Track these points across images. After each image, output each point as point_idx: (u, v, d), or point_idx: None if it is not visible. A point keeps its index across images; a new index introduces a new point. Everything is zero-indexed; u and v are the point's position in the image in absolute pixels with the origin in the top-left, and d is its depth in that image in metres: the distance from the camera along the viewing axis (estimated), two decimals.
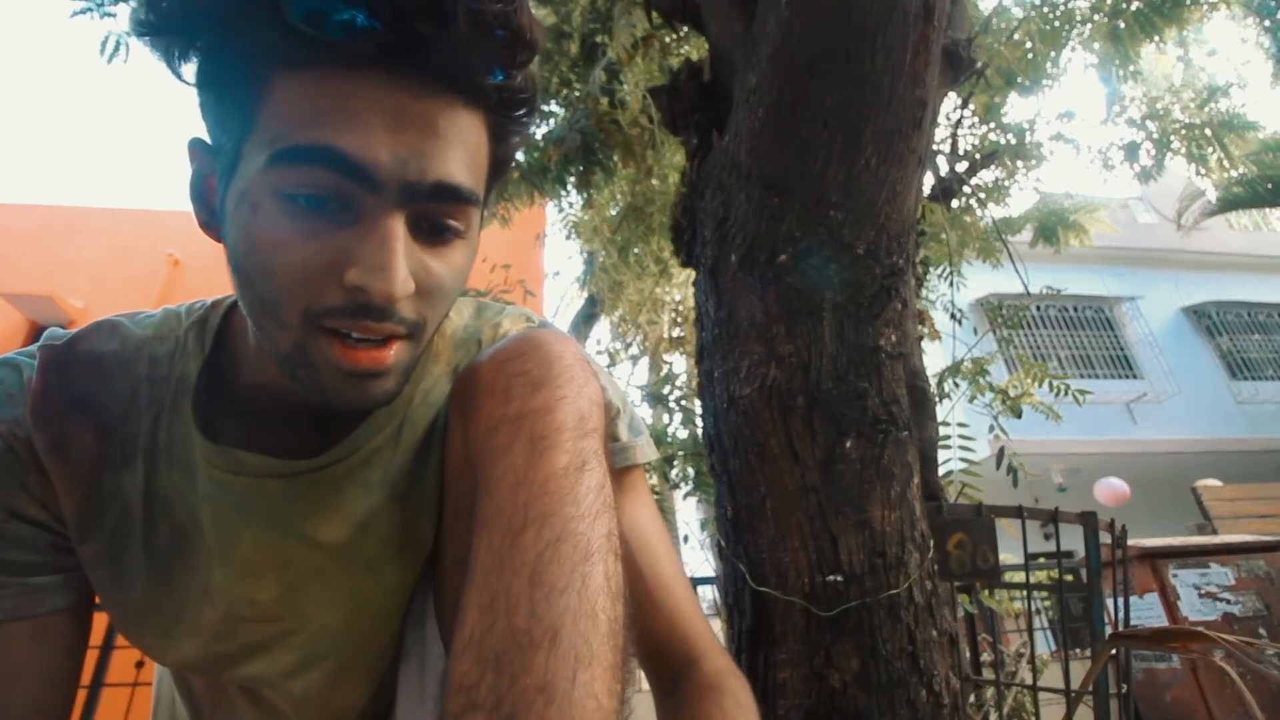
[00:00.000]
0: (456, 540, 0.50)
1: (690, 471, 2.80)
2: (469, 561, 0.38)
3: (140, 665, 2.89)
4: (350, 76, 0.35)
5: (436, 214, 0.39)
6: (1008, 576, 3.01)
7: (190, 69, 0.38)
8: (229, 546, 0.47)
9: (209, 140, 0.41)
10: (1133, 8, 2.77)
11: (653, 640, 0.52)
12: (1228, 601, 3.31)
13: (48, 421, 0.45)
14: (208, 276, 6.47)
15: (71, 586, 0.47)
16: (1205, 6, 2.86)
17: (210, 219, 0.42)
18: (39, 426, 0.44)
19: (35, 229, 7.70)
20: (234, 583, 0.47)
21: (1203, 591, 3.33)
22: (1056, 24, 2.88)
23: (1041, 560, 5.05)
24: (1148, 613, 3.32)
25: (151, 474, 0.47)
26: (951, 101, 2.72)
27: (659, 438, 2.88)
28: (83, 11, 2.52)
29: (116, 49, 2.56)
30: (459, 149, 0.38)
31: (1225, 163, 3.35)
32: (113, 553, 0.47)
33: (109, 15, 2.53)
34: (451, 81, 0.37)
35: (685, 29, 2.34)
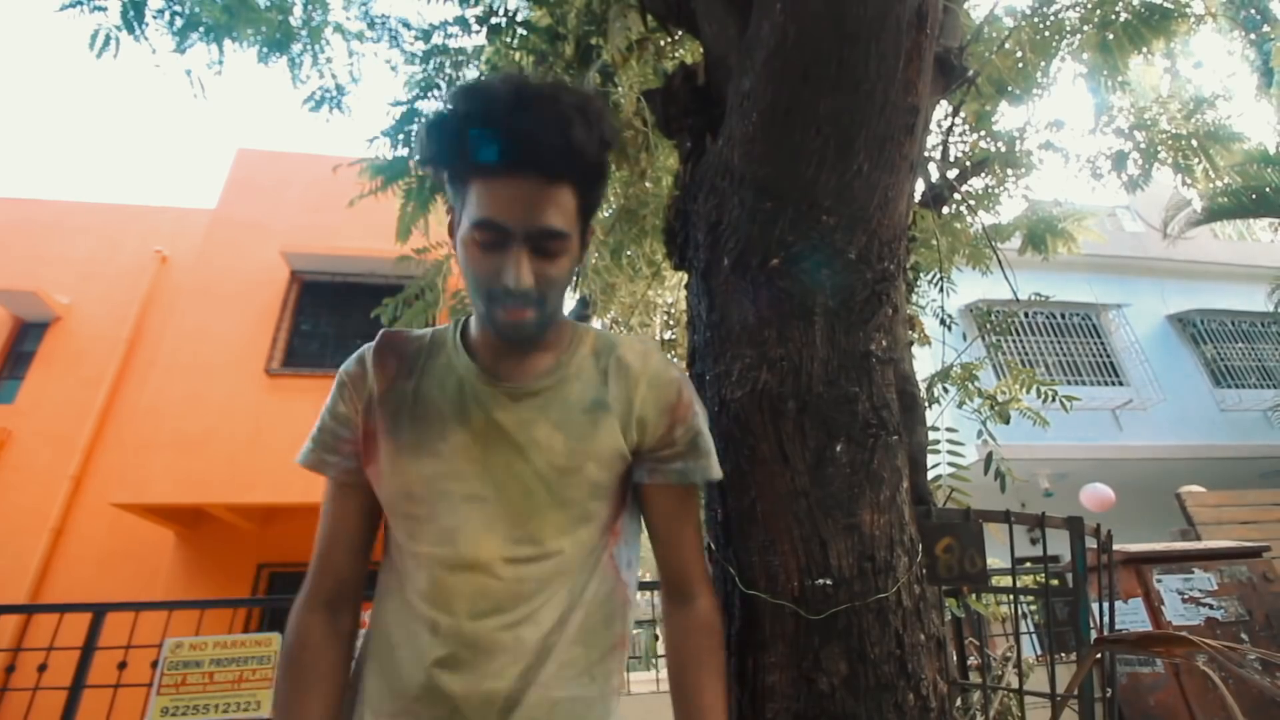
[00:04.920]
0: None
1: None
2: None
3: (123, 666, 2.85)
4: (502, 179, 0.71)
5: (545, 243, 0.73)
6: (995, 581, 3.04)
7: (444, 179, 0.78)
8: (466, 420, 0.81)
9: (452, 203, 0.79)
10: (1121, 19, 2.81)
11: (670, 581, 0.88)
12: (1211, 606, 3.34)
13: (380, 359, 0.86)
14: (196, 273, 6.40)
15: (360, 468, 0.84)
16: (1192, 20, 2.90)
17: (453, 241, 0.79)
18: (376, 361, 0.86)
19: (20, 224, 7.58)
20: (461, 440, 0.80)
21: (1186, 596, 3.37)
22: (1047, 34, 2.92)
23: (1028, 565, 5.09)
24: (1132, 617, 3.36)
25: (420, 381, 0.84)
26: (943, 109, 2.75)
27: None
28: (72, 4, 2.49)
29: (107, 43, 2.53)
30: (555, 208, 0.72)
31: (1211, 173, 3.40)
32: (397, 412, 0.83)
33: (99, 9, 2.50)
34: (551, 176, 0.71)
35: (680, 32, 2.35)
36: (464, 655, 0.72)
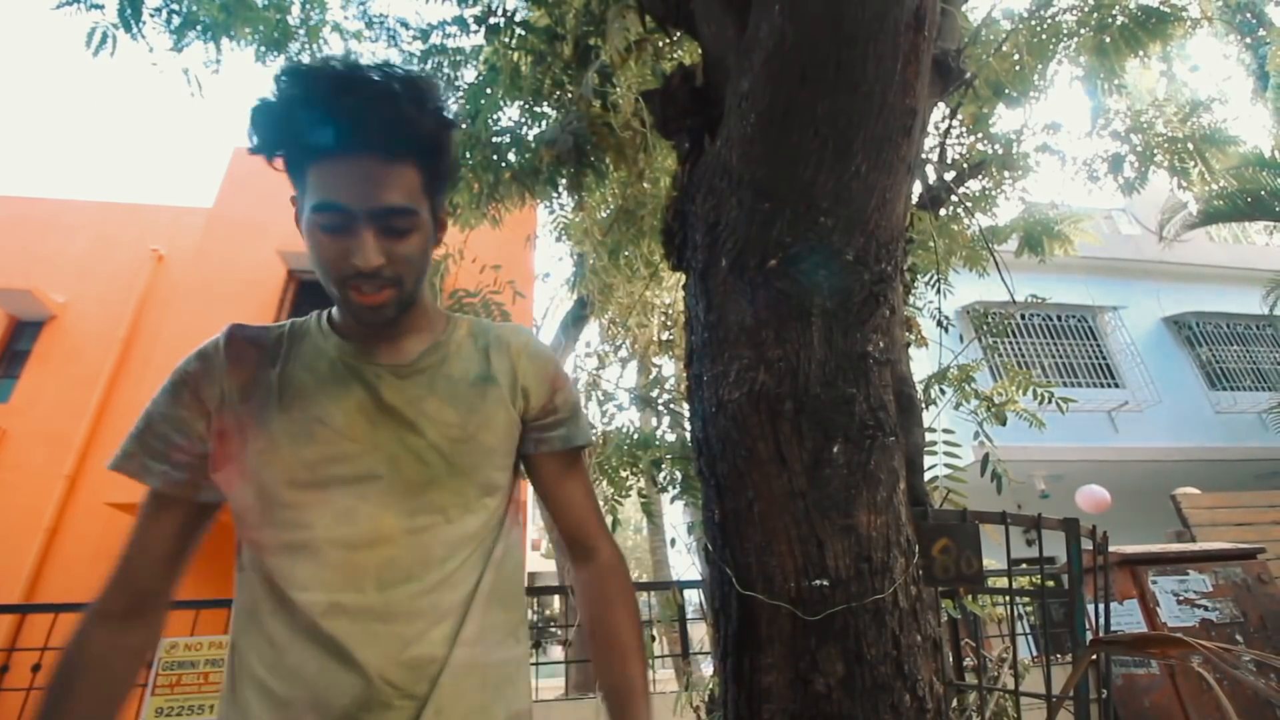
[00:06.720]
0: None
1: (678, 475, 2.80)
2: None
3: None
4: (337, 161, 0.70)
5: (392, 221, 0.72)
6: (991, 582, 3.04)
7: (279, 164, 0.74)
8: (347, 399, 0.79)
9: (295, 191, 0.76)
10: (1118, 23, 2.82)
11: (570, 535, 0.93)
12: (1205, 608, 3.35)
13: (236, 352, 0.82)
14: (192, 272, 6.38)
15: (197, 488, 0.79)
16: (1189, 23, 2.91)
17: (300, 229, 0.77)
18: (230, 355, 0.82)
19: (15, 222, 7.54)
20: (342, 420, 0.78)
21: (1181, 598, 3.38)
22: (1044, 37, 2.93)
23: (1024, 566, 5.10)
24: (1127, 619, 3.36)
25: (285, 369, 0.81)
26: (940, 111, 2.75)
27: (648, 441, 2.89)
28: (69, 2, 2.48)
29: (104, 41, 2.52)
30: (396, 186, 0.71)
31: (1206, 176, 3.42)
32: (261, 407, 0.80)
33: (96, 7, 2.49)
34: (388, 154, 0.71)
35: (678, 33, 2.35)
36: (377, 629, 0.70)
